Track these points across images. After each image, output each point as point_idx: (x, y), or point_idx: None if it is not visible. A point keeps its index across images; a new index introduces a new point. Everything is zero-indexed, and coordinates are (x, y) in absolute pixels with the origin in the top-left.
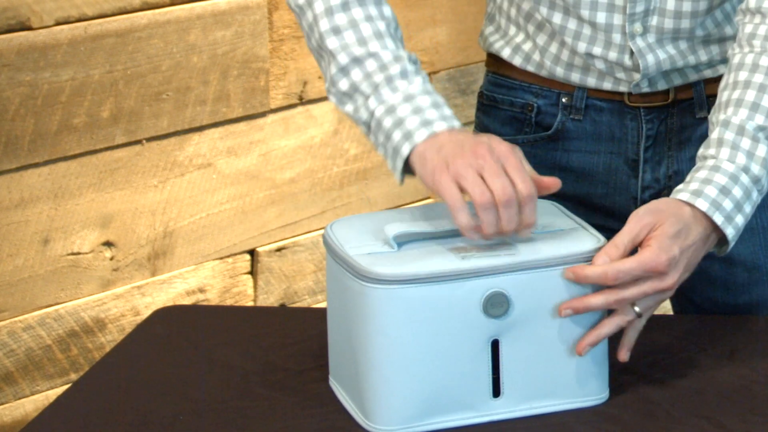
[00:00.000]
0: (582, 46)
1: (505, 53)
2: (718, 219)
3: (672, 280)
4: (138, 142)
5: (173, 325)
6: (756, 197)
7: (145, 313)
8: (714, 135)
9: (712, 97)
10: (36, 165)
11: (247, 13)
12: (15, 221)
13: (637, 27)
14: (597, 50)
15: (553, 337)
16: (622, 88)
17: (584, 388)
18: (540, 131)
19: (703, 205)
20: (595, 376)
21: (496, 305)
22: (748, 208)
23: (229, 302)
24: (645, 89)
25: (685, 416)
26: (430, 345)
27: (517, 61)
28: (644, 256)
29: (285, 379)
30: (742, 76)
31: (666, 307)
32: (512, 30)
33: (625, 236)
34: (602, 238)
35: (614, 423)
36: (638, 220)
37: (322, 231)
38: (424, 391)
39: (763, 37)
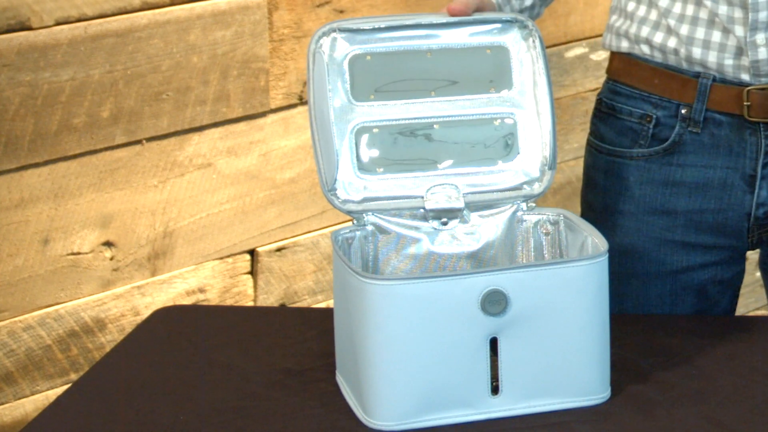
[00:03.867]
0: None
1: (629, 42)
2: None
3: None
4: (138, 142)
5: (173, 325)
6: None
7: (145, 313)
8: None
9: None
10: (36, 165)
11: (247, 13)
12: (15, 221)
13: None
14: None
15: (553, 336)
16: (744, 74)
17: (584, 387)
18: (655, 144)
19: None
20: (595, 376)
21: (494, 303)
22: None
23: (229, 302)
24: (765, 77)
25: (685, 416)
26: (428, 342)
27: (642, 49)
28: None
29: (285, 379)
30: None
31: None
32: (631, 5)
33: None
34: (606, 243)
35: (614, 423)
36: None
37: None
38: (423, 387)
39: None
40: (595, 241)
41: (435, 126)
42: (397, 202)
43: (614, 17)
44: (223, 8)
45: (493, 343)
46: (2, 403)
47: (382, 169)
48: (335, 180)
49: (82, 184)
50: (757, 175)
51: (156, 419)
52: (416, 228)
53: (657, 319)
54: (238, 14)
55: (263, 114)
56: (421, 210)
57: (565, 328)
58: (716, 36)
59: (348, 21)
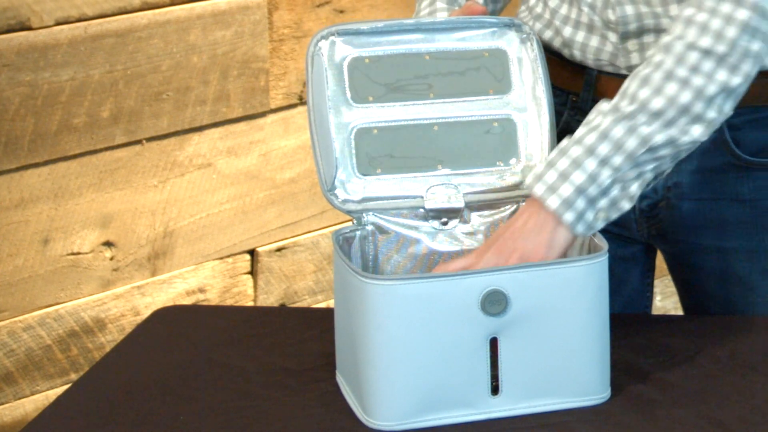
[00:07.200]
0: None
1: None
2: (539, 190)
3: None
4: (138, 142)
5: (173, 325)
6: (596, 168)
7: (145, 313)
8: None
9: None
10: (36, 165)
11: (247, 13)
12: (15, 221)
13: None
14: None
15: (553, 336)
16: (621, 63)
17: (585, 387)
18: None
19: (531, 181)
20: (595, 376)
21: (494, 303)
22: (580, 178)
23: (229, 302)
24: (635, 62)
25: (685, 416)
26: (428, 342)
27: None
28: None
29: (285, 379)
30: (640, 67)
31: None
32: (533, 1)
33: None
34: (605, 243)
35: (614, 423)
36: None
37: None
38: (423, 387)
39: (672, 37)
40: (595, 241)
41: (435, 128)
42: (397, 202)
43: (522, 8)
44: (223, 8)
45: (493, 343)
46: (2, 403)
47: (381, 170)
48: (335, 180)
49: (82, 184)
50: None
51: (156, 419)
52: (416, 228)
53: (657, 319)
54: (238, 14)
55: (263, 114)
56: (421, 210)
57: (565, 328)
58: (594, 41)
59: (346, 24)
